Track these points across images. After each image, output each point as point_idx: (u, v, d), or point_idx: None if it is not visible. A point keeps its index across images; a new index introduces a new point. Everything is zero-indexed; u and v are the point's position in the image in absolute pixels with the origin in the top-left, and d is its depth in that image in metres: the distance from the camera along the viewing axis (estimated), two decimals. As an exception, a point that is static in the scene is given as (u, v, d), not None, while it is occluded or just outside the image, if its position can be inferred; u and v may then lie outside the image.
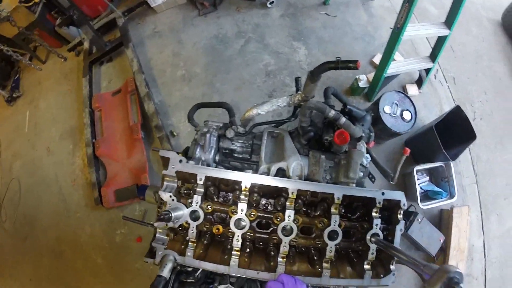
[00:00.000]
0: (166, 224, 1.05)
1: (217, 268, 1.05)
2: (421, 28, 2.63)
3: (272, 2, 3.56)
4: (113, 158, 3.19)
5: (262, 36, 3.47)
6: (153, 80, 3.41)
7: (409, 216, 2.48)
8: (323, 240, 1.07)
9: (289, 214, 1.07)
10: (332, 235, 1.07)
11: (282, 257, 1.05)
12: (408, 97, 2.60)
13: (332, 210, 1.08)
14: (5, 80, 4.21)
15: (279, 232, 1.06)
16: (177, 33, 3.65)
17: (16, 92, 4.04)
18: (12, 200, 3.65)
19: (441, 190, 2.69)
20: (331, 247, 1.06)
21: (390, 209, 1.16)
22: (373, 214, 1.11)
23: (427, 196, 2.72)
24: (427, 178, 2.84)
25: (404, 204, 1.11)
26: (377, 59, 3.15)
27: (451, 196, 2.66)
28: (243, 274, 1.04)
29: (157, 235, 1.13)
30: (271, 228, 1.19)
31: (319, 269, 1.07)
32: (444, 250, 2.67)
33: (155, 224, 1.06)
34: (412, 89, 3.11)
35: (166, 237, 1.12)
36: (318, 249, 1.13)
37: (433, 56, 2.85)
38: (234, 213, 1.09)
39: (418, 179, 2.65)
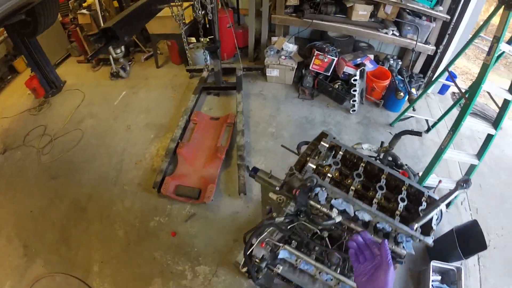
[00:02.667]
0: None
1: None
2: (458, 154, 3.49)
3: (354, 110, 4.65)
4: (189, 161, 3.72)
5: (339, 131, 4.41)
6: (247, 125, 4.19)
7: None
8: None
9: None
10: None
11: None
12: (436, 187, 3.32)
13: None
14: (117, 60, 4.89)
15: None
16: (277, 102, 4.62)
17: (123, 72, 4.77)
18: (65, 145, 3.98)
19: None
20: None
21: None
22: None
23: None
24: (439, 277, 3.24)
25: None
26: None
27: None
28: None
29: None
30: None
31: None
32: None
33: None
34: (442, 207, 3.86)
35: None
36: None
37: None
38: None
39: (432, 275, 3.05)
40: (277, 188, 1.84)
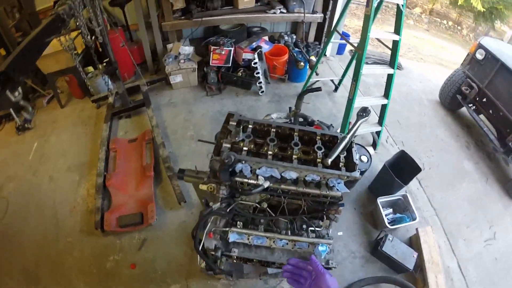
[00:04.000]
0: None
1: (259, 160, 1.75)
2: (366, 99, 3.98)
3: (262, 91, 5.02)
4: (121, 189, 3.78)
5: (255, 114, 4.73)
6: (166, 136, 4.33)
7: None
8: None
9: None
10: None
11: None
12: (364, 147, 3.63)
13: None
14: (18, 112, 4.71)
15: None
16: (188, 105, 4.80)
17: (28, 124, 4.60)
18: None
19: (404, 215, 3.41)
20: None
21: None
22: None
23: (394, 225, 3.33)
24: (391, 210, 3.55)
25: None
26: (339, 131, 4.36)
27: (413, 219, 3.30)
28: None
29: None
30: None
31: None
32: (420, 265, 3.08)
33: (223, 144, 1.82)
34: (369, 150, 4.02)
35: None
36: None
37: (380, 121, 4.15)
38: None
39: (383, 210, 3.34)
40: (205, 179, 1.92)
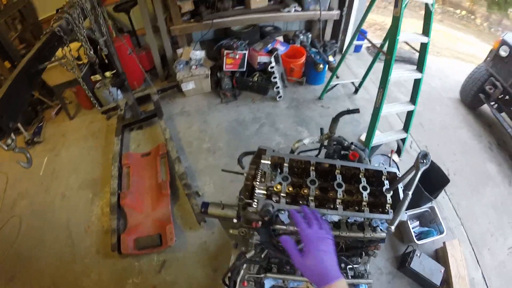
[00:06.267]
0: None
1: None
2: (393, 106, 3.75)
3: (280, 96, 4.81)
4: (137, 209, 3.65)
5: (273, 122, 4.55)
6: (181, 149, 4.16)
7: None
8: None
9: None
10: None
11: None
12: (390, 158, 3.52)
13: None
14: (27, 125, 4.62)
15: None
16: (202, 114, 4.62)
17: (38, 137, 4.48)
18: (8, 238, 3.68)
19: (431, 229, 3.37)
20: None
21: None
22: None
23: (421, 238, 3.28)
24: (417, 223, 3.53)
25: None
26: (363, 137, 4.20)
27: (441, 232, 3.27)
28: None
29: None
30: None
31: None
32: (447, 280, 3.07)
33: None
34: (394, 158, 4.08)
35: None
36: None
37: (406, 128, 3.96)
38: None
39: (410, 224, 3.32)
40: (235, 221, 1.80)
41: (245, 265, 1.72)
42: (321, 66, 4.84)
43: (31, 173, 4.19)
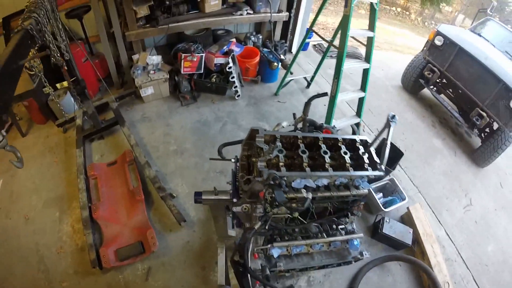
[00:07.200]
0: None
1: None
2: (346, 94, 4.15)
3: (239, 95, 4.98)
4: (111, 220, 3.53)
5: (235, 120, 4.69)
6: (148, 154, 4.09)
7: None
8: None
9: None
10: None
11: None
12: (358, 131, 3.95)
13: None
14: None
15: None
16: (164, 118, 4.59)
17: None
18: None
19: (395, 197, 3.77)
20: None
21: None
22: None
23: (386, 207, 3.61)
24: (381, 194, 3.86)
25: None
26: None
27: (403, 199, 3.68)
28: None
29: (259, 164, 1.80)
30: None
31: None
32: (416, 239, 3.45)
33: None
34: None
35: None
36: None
37: (358, 113, 4.36)
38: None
39: (375, 195, 3.65)
40: (235, 200, 1.96)
41: (252, 239, 1.84)
42: (275, 64, 5.08)
43: (-14, 199, 3.85)
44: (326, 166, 1.89)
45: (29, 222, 3.64)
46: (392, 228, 3.38)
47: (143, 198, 3.60)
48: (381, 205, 3.57)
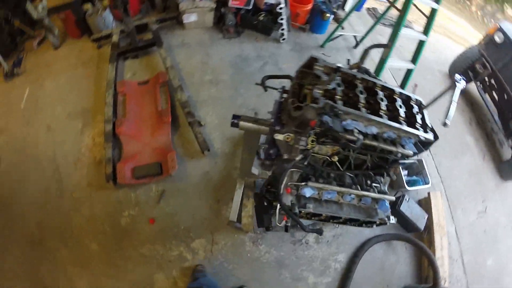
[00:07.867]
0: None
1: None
2: (397, 61, 3.82)
3: (284, 38, 4.62)
4: (134, 137, 3.34)
5: (277, 62, 4.36)
6: (182, 79, 3.82)
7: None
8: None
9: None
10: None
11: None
12: (415, 89, 3.55)
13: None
14: (5, 57, 4.04)
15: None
16: (204, 47, 4.31)
17: (18, 69, 4.00)
18: None
19: (419, 179, 3.54)
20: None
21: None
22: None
23: (410, 186, 3.45)
24: (406, 172, 3.61)
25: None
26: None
27: (426, 183, 3.47)
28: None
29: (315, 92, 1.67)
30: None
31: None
32: (429, 226, 3.27)
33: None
34: None
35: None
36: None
37: (402, 86, 3.98)
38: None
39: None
40: (277, 128, 1.84)
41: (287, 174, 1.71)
42: (328, 15, 4.68)
43: (11, 107, 3.77)
44: (381, 113, 1.74)
45: (51, 131, 3.53)
46: (410, 208, 3.21)
47: (170, 120, 3.39)
48: (405, 182, 3.36)
